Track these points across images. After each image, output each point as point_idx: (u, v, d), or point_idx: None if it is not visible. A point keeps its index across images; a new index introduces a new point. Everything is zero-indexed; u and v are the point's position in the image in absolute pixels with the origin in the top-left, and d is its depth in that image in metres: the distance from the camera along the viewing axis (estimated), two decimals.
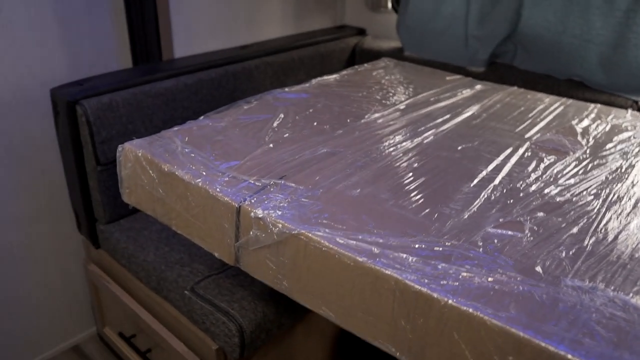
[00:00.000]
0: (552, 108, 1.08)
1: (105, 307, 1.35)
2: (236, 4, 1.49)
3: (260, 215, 0.70)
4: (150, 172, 0.84)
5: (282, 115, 0.98)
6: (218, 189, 0.76)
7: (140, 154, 0.85)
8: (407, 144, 0.90)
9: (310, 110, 1.02)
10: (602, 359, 0.49)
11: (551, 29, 1.40)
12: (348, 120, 0.98)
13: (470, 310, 0.55)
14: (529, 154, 0.88)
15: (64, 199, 1.31)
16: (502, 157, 0.87)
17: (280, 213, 0.70)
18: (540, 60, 1.45)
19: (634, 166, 0.86)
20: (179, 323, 1.11)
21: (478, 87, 1.18)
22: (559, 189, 0.78)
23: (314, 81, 1.19)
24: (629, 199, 0.76)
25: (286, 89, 1.12)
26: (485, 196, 0.75)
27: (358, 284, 0.63)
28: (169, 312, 1.12)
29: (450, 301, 0.56)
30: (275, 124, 0.96)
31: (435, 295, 0.57)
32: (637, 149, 0.92)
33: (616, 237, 0.67)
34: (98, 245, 1.29)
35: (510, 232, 0.67)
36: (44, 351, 1.44)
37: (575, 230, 0.68)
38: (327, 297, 0.67)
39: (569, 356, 0.50)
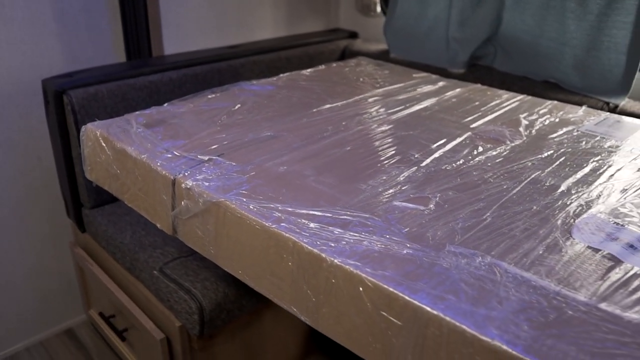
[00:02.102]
0: (507, 103, 1.11)
1: (89, 289, 1.42)
2: (227, 6, 1.57)
3: (189, 186, 0.76)
4: (107, 149, 0.90)
5: (239, 105, 1.04)
6: (159, 164, 0.82)
7: (98, 134, 0.92)
8: (349, 131, 0.94)
9: (269, 100, 1.08)
10: (457, 313, 0.52)
11: (530, 32, 1.42)
12: (300, 109, 1.03)
13: (351, 268, 0.59)
14: (467, 142, 0.91)
15: (58, 185, 1.40)
16: (438, 144, 0.90)
17: (207, 184, 0.75)
18: (519, 63, 1.47)
19: (564, 155, 0.87)
20: (149, 302, 1.17)
21: (441, 83, 1.22)
22: (479, 172, 0.80)
23: (283, 75, 1.24)
24: (544, 183, 0.78)
25: (253, 82, 1.18)
26: (407, 176, 0.79)
27: (265, 248, 0.67)
28: (141, 292, 1.18)
29: (335, 260, 0.60)
30: (230, 111, 1.01)
31: (323, 255, 0.61)
32: (573, 141, 0.94)
33: (516, 214, 0.69)
34: (83, 229, 1.36)
35: (414, 206, 0.70)
36: (37, 333, 1.52)
37: (479, 206, 0.71)
38: (243, 261, 0.72)
39: (428, 309, 0.53)
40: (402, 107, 1.07)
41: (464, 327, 0.51)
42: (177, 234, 0.83)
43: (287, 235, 0.64)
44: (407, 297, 0.55)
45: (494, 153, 0.88)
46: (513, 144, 0.91)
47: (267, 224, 0.67)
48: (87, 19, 1.34)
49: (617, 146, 0.92)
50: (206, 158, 0.82)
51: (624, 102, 1.30)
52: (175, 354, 1.13)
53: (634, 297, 0.55)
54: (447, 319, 0.52)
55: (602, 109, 1.26)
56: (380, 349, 0.58)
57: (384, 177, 0.78)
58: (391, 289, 0.56)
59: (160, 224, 0.84)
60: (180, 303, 1.05)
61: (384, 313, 0.57)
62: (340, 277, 0.60)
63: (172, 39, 1.48)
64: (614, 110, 1.24)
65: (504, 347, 0.49)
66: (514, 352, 0.48)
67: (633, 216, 0.70)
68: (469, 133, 0.95)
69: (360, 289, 0.58)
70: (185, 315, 1.05)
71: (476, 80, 1.38)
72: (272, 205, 0.70)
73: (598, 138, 0.95)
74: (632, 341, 0.50)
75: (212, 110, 1.02)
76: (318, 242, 0.63)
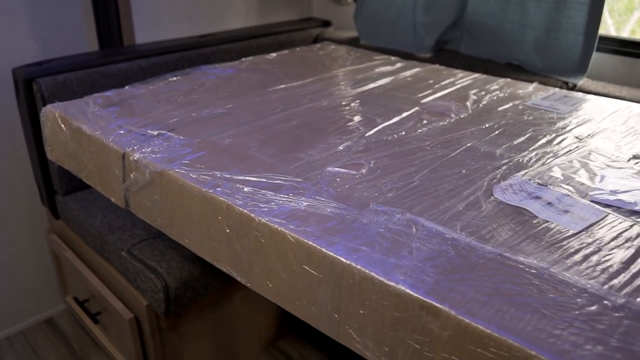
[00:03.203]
0: (460, 81, 1.14)
1: (65, 275, 1.45)
2: None
3: (136, 158, 0.79)
4: (64, 129, 0.93)
5: (197, 86, 1.07)
6: (111, 139, 0.85)
7: (57, 114, 0.95)
8: (299, 108, 0.97)
9: (228, 82, 1.11)
10: (368, 262, 0.55)
11: (493, 15, 1.45)
12: (256, 89, 1.06)
13: (276, 226, 0.62)
14: (413, 116, 0.94)
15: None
16: (384, 118, 0.93)
17: (153, 156, 0.78)
18: (484, 46, 1.50)
19: (504, 126, 0.90)
20: (118, 283, 1.20)
21: (399, 64, 1.25)
22: (418, 141, 0.83)
23: (246, 59, 1.27)
24: (479, 150, 0.81)
25: (216, 65, 1.21)
26: (347, 145, 0.82)
27: (204, 213, 0.70)
28: (111, 274, 1.21)
29: (263, 219, 0.63)
30: (188, 91, 1.04)
31: (252, 215, 0.64)
32: (517, 113, 0.97)
33: (445, 177, 0.72)
34: (57, 216, 1.39)
35: (346, 171, 0.73)
36: (17, 323, 1.54)
37: (410, 170, 0.74)
38: (187, 228, 0.75)
39: (342, 259, 0.56)
40: (357, 86, 1.10)
41: (373, 274, 0.54)
42: (129, 207, 0.86)
43: (221, 198, 0.67)
44: (324, 250, 0.58)
45: (438, 125, 0.90)
46: (458, 117, 0.94)
47: (204, 189, 0.70)
48: (59, 8, 1.37)
49: (559, 118, 0.95)
50: (156, 133, 0.85)
51: (582, 82, 1.33)
52: (145, 334, 1.16)
53: (540, 245, 0.58)
54: (359, 267, 0.55)
55: (560, 87, 1.29)
56: (305, 302, 0.61)
57: (324, 147, 0.80)
58: (310, 243, 0.59)
59: (114, 197, 0.87)
60: (146, 282, 1.08)
61: (305, 267, 0.60)
62: (268, 235, 0.63)
63: (144, 28, 1.51)
64: (572, 89, 1.27)
65: (407, 290, 0.52)
66: (415, 295, 0.51)
67: (557, 178, 0.73)
68: (417, 108, 0.97)
69: (285, 245, 0.61)
70: (151, 293, 1.08)
71: (442, 64, 1.40)
72: (211, 173, 0.73)
73: (542, 111, 0.98)
74: (528, 282, 0.52)
75: (171, 92, 1.05)
76: (249, 204, 0.66)
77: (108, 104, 0.97)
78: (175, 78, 1.13)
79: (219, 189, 0.69)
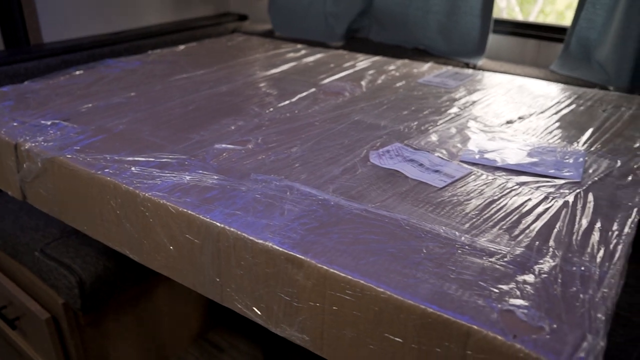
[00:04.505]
0: (360, 64, 1.19)
1: None
2: None
3: (28, 148, 0.79)
4: None
5: (100, 79, 1.07)
6: (3, 131, 0.84)
7: None
8: (198, 94, 0.99)
9: (131, 74, 1.12)
10: (242, 225, 0.58)
11: (399, 2, 1.51)
12: (159, 79, 1.08)
13: (159, 199, 0.64)
14: (309, 96, 0.98)
15: None
16: (280, 99, 0.96)
17: (45, 145, 0.79)
18: (392, 33, 1.56)
19: (394, 101, 0.95)
20: (34, 284, 1.18)
21: (303, 51, 1.29)
22: (309, 118, 0.87)
23: (153, 52, 1.28)
24: (365, 123, 0.85)
25: (121, 58, 1.21)
26: (239, 125, 0.84)
27: (94, 195, 0.72)
28: (25, 276, 1.19)
29: (146, 194, 0.65)
30: (89, 84, 1.05)
31: (137, 191, 0.66)
32: (408, 90, 1.02)
33: (327, 147, 0.76)
34: None
35: (233, 147, 0.76)
36: None
37: (295, 143, 0.77)
38: (82, 214, 0.76)
39: (218, 224, 0.59)
40: (259, 72, 1.13)
41: (245, 235, 0.57)
42: (27, 199, 0.85)
43: (108, 179, 0.69)
44: (202, 217, 0.60)
45: (331, 103, 0.95)
46: (352, 96, 0.99)
47: (92, 172, 0.71)
48: None
49: (446, 92, 1.01)
50: (49, 123, 0.85)
51: (482, 62, 1.41)
52: (64, 333, 1.15)
53: (405, 200, 0.63)
54: (232, 229, 0.58)
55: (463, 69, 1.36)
56: (191, 270, 0.64)
57: (216, 127, 0.83)
58: (190, 212, 0.61)
59: (11, 190, 0.87)
60: (60, 279, 1.08)
61: (187, 235, 0.62)
62: (152, 209, 0.65)
63: (52, 26, 1.49)
64: (474, 69, 1.34)
65: (275, 246, 0.55)
66: (282, 250, 0.55)
67: (433, 143, 0.78)
68: (314, 89, 1.01)
69: (169, 217, 0.63)
70: (66, 290, 1.07)
71: (353, 51, 1.46)
72: (100, 156, 0.74)
73: (432, 87, 1.04)
74: (387, 231, 0.57)
75: (72, 85, 1.05)
76: (135, 182, 0.67)
77: (3, 99, 0.97)
78: (78, 72, 1.13)
79: (107, 170, 0.71)
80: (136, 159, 0.73)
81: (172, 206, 0.63)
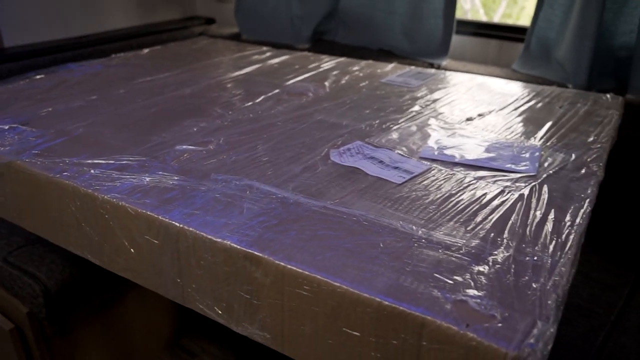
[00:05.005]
0: (324, 65, 1.19)
1: None
2: None
3: None
4: None
5: (61, 83, 1.06)
6: None
7: None
8: (161, 96, 0.99)
9: (93, 77, 1.10)
10: (200, 224, 0.58)
11: (364, 5, 1.53)
12: (121, 82, 1.07)
13: (117, 201, 0.63)
14: (273, 97, 0.98)
15: None
16: (244, 100, 0.96)
17: (2, 149, 0.77)
18: (357, 34, 1.57)
19: (357, 100, 0.96)
20: None
21: (268, 53, 1.29)
22: (272, 119, 0.88)
23: (116, 55, 1.27)
24: (327, 122, 0.86)
25: (84, 62, 1.20)
26: (201, 127, 0.84)
27: (53, 200, 0.71)
28: None
29: (105, 196, 0.64)
30: (49, 88, 1.03)
31: (96, 194, 0.65)
32: (371, 89, 1.03)
33: (289, 147, 0.76)
34: None
35: (194, 148, 0.76)
36: None
37: (257, 143, 0.78)
38: (42, 219, 0.75)
39: (177, 224, 0.59)
40: (223, 74, 1.13)
41: (203, 234, 0.57)
42: None
43: (67, 182, 0.68)
44: (161, 218, 0.60)
45: (294, 103, 0.95)
46: (316, 96, 0.99)
47: (50, 175, 0.70)
48: None
49: (409, 91, 1.03)
50: (7, 127, 0.84)
51: (446, 62, 1.43)
52: (30, 344, 1.12)
53: (363, 197, 0.64)
54: (191, 229, 0.58)
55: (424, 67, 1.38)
56: (152, 272, 0.63)
57: (177, 129, 0.83)
58: (149, 213, 0.61)
59: None
60: (24, 288, 1.06)
61: (147, 237, 0.62)
62: (111, 211, 0.64)
63: (13, 31, 1.46)
64: (438, 69, 1.36)
65: (233, 244, 0.55)
66: (240, 248, 0.55)
67: (394, 140, 0.79)
68: (278, 90, 1.02)
69: (129, 220, 0.63)
70: (31, 299, 1.05)
71: (320, 53, 1.47)
72: (59, 160, 0.73)
73: (395, 86, 1.05)
74: (345, 227, 0.57)
75: (32, 89, 1.03)
76: (94, 184, 0.67)
77: None
78: (39, 76, 1.11)
79: (66, 173, 0.70)
80: (96, 161, 0.73)
81: (131, 208, 0.62)
